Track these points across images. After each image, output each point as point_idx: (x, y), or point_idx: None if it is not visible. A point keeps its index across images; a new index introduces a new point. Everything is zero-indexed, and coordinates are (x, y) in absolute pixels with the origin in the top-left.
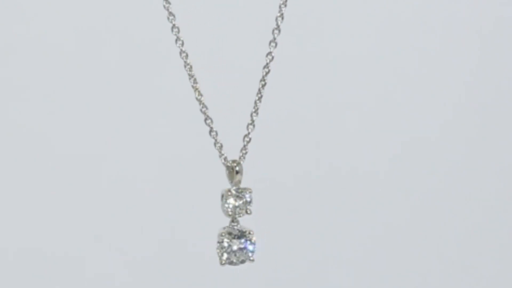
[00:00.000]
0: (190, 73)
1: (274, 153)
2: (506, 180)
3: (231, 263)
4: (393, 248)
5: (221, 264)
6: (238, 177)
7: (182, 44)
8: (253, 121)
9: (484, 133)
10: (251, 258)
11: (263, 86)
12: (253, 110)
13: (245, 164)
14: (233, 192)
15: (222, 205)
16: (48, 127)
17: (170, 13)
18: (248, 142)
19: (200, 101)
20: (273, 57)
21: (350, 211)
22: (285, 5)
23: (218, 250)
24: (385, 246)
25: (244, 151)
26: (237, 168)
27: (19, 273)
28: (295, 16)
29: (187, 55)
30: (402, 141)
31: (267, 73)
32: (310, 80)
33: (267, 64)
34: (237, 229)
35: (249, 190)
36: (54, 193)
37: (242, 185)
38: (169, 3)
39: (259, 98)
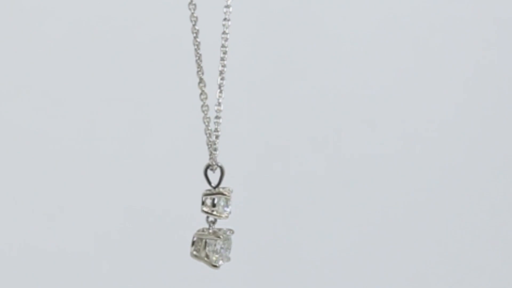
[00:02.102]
0: (202, 77)
1: (269, 153)
2: (507, 174)
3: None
4: (389, 247)
5: (218, 267)
6: (223, 178)
7: (199, 48)
8: (218, 127)
9: (485, 132)
10: (229, 256)
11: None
12: (216, 114)
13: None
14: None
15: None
16: (41, 125)
17: (193, 16)
18: (215, 148)
19: (204, 104)
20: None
21: (345, 210)
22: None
23: (210, 255)
24: (382, 245)
25: (214, 154)
26: (222, 168)
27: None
28: (294, 15)
29: (201, 60)
30: (399, 139)
31: (222, 70)
32: (306, 77)
33: (223, 58)
34: (218, 229)
35: (229, 190)
36: (52, 189)
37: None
38: (195, 6)
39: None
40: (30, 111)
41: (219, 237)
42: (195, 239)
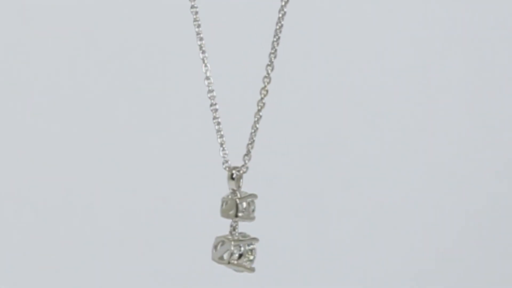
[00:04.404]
0: (210, 88)
1: (277, 156)
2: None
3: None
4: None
5: (253, 271)
6: (239, 183)
7: (203, 52)
8: (256, 128)
9: (485, 131)
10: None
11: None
12: (255, 119)
13: (250, 169)
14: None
15: (223, 211)
16: (46, 125)
17: (196, 20)
18: (252, 148)
19: (213, 108)
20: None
21: (346, 210)
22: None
23: (250, 260)
24: (383, 245)
25: (247, 158)
26: (236, 174)
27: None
28: (301, 17)
29: (207, 67)
30: (399, 139)
31: (268, 82)
32: (306, 76)
33: (268, 74)
34: (243, 234)
35: (255, 197)
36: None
37: (246, 190)
38: (196, 8)
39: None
40: (36, 111)
41: (256, 241)
42: (232, 248)
